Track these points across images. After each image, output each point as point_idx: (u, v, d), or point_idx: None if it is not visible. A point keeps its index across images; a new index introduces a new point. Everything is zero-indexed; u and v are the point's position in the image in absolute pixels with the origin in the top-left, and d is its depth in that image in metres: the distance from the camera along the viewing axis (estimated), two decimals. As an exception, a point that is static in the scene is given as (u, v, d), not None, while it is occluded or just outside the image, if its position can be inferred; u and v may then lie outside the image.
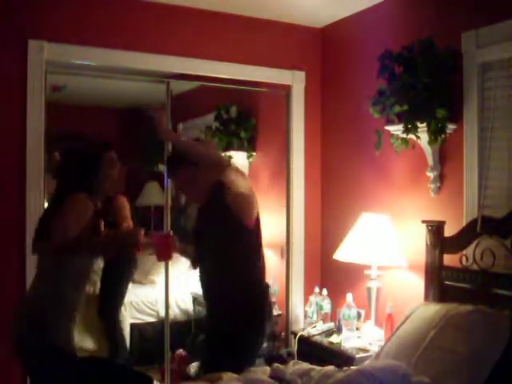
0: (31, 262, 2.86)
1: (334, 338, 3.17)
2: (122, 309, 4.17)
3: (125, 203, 3.71)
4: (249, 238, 2.53)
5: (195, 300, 4.46)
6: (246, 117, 4.32)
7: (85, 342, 4.15)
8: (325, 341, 3.20)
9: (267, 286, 2.64)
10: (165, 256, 2.64)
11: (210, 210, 2.59)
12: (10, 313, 2.38)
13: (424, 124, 2.80)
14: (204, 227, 2.65)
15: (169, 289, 3.60)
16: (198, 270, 2.69)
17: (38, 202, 3.06)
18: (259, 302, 2.55)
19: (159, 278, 4.35)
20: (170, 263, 3.65)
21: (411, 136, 2.89)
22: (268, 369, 2.41)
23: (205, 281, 2.64)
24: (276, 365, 2.38)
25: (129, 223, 3.41)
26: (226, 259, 2.53)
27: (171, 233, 2.71)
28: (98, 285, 4.37)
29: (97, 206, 2.45)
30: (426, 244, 2.86)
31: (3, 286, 3.03)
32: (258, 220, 2.57)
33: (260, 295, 2.57)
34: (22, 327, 2.29)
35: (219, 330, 2.52)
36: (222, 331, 2.49)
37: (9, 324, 2.34)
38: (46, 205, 3.16)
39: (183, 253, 2.75)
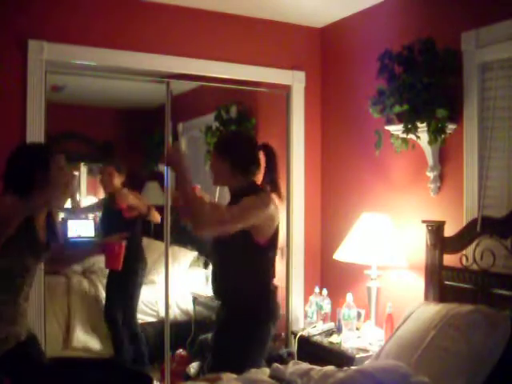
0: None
1: (334, 338, 3.17)
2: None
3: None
4: (260, 254, 2.47)
5: (195, 300, 4.46)
6: (246, 117, 4.31)
7: (90, 342, 4.16)
8: (325, 341, 3.20)
9: (276, 288, 2.62)
10: (112, 265, 2.64)
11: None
12: None
13: (424, 124, 2.80)
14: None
15: (169, 289, 3.59)
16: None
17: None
18: (271, 301, 2.54)
19: (159, 278, 4.35)
20: (171, 263, 3.66)
21: (411, 136, 2.89)
22: (268, 369, 2.40)
23: (218, 274, 2.58)
24: (276, 365, 2.38)
25: None
26: (239, 266, 2.49)
27: (123, 244, 2.61)
28: (100, 286, 4.37)
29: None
30: (426, 244, 2.86)
31: None
32: (274, 235, 2.50)
33: (271, 295, 2.55)
34: None
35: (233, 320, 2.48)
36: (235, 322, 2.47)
37: None
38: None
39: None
